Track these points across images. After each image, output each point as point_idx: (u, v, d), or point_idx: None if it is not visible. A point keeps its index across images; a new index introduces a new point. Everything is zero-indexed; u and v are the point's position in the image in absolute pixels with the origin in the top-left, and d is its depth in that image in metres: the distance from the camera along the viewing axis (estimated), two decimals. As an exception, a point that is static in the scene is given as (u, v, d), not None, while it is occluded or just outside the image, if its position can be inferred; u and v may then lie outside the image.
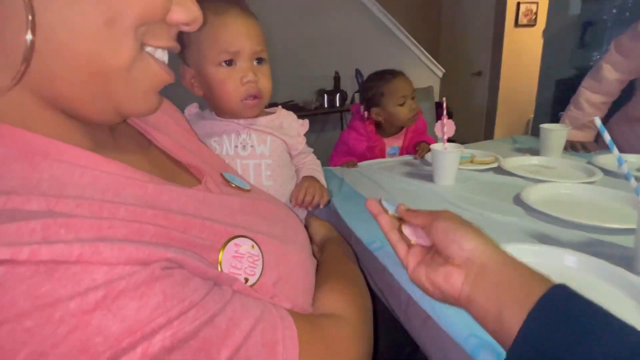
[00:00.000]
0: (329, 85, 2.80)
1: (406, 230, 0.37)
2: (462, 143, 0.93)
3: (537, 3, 3.29)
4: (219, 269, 0.28)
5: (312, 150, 0.64)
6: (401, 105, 1.08)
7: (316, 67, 2.74)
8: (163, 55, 0.28)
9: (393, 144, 1.16)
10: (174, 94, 0.57)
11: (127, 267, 0.20)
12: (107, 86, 0.24)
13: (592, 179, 0.71)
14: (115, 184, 0.25)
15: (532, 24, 3.33)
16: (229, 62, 0.49)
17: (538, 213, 0.57)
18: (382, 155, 1.13)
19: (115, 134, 0.32)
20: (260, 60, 0.52)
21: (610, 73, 1.00)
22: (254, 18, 0.51)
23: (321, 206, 0.59)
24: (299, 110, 2.55)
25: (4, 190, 0.20)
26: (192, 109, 0.59)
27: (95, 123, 0.27)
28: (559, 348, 0.23)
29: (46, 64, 0.22)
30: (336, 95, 2.72)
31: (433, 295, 0.33)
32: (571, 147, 1.00)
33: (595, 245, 0.48)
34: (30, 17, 0.20)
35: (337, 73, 2.78)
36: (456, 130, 0.84)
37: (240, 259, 0.29)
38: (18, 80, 0.21)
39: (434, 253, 0.34)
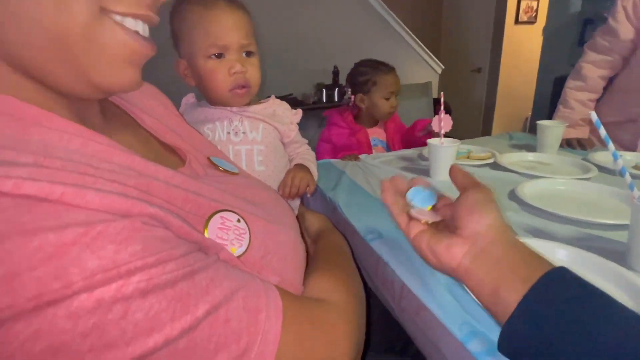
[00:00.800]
0: (328, 80, 2.79)
1: (413, 212, 0.36)
2: (460, 139, 0.93)
3: (537, 0, 3.28)
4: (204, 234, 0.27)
5: (307, 141, 0.65)
6: (387, 99, 1.13)
7: (315, 61, 2.73)
8: (136, 26, 0.26)
9: (374, 135, 1.19)
10: (175, 87, 0.57)
11: (108, 215, 0.20)
12: (68, 53, 0.23)
13: (587, 175, 0.71)
14: (102, 152, 0.25)
15: (532, 21, 3.32)
16: (218, 55, 0.51)
17: (532, 208, 0.58)
18: (367, 143, 1.16)
19: (107, 115, 0.32)
20: (249, 53, 0.53)
21: (591, 71, 1.04)
22: (242, 10, 0.52)
23: (308, 194, 0.60)
24: (298, 104, 2.54)
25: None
26: (189, 98, 0.60)
27: (77, 97, 0.27)
28: (557, 325, 0.23)
29: (6, 33, 0.21)
30: (335, 89, 2.71)
31: (430, 261, 0.33)
32: (567, 144, 1.01)
33: (589, 240, 0.48)
34: None
35: (336, 67, 2.77)
36: (454, 126, 0.84)
37: (226, 231, 0.29)
38: None
39: (440, 225, 0.35)
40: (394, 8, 2.94)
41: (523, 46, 3.29)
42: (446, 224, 0.35)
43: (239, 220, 0.31)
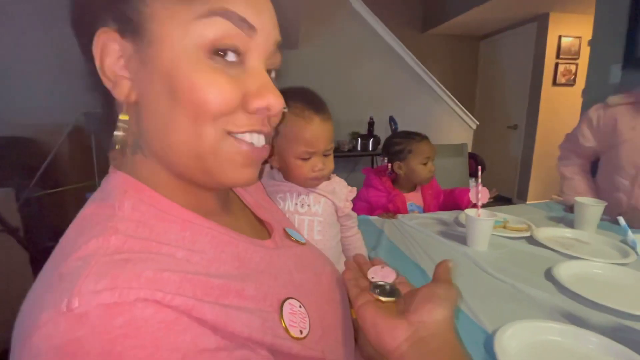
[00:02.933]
0: (363, 130, 2.95)
1: (375, 293, 0.38)
2: (495, 195, 0.98)
3: (576, 64, 3.34)
4: (282, 324, 0.32)
5: (356, 215, 0.75)
6: (424, 164, 1.21)
7: (352, 111, 2.91)
8: (251, 138, 0.32)
9: (411, 200, 1.26)
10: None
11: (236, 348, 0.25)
12: (202, 164, 0.31)
13: (625, 260, 0.73)
14: (221, 243, 0.33)
15: (570, 83, 3.36)
16: (306, 158, 0.63)
17: (568, 291, 0.61)
18: (404, 208, 1.22)
19: (228, 198, 0.42)
20: (327, 153, 0.65)
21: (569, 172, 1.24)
22: (330, 122, 0.64)
23: None
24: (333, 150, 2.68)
25: (165, 241, 0.29)
26: (265, 169, 0.72)
27: (211, 189, 0.37)
28: None
29: (170, 156, 0.31)
30: (369, 139, 2.85)
31: (368, 335, 0.34)
32: (570, 209, 1.08)
33: (623, 331, 0.51)
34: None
35: (371, 119, 2.94)
36: (490, 182, 0.90)
37: (295, 315, 0.34)
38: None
39: (389, 304, 0.36)
40: (429, 65, 3.13)
41: (561, 106, 3.30)
42: (396, 303, 0.36)
43: (300, 306, 0.34)
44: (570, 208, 1.11)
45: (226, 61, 0.29)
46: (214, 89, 0.28)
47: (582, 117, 1.20)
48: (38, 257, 1.37)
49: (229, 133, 0.31)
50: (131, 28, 0.28)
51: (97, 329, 0.21)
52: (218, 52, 0.28)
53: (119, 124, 0.31)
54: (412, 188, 1.27)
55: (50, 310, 0.22)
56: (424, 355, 0.30)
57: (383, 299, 0.36)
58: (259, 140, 0.34)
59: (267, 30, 0.31)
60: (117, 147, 0.31)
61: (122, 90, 0.29)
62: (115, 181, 0.32)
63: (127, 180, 0.32)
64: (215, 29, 0.28)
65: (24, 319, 0.24)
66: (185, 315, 0.24)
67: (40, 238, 1.57)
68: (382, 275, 0.40)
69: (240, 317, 0.28)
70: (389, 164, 1.26)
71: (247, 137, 0.32)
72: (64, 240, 0.28)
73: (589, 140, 1.17)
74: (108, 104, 0.32)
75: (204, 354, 0.23)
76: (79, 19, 0.31)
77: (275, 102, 0.31)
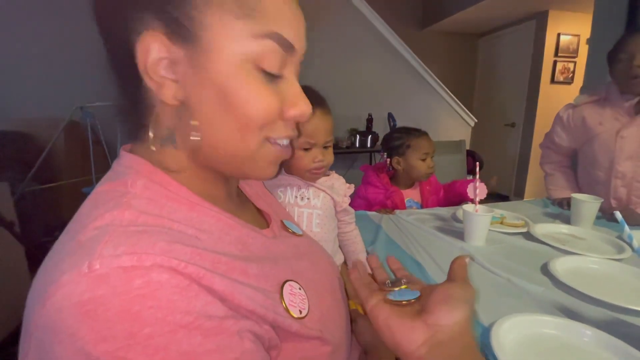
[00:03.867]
0: (362, 126, 2.95)
1: (391, 296, 0.36)
2: (494, 192, 0.99)
3: (574, 62, 3.35)
4: (282, 303, 0.33)
5: (353, 211, 0.76)
6: (422, 160, 1.20)
7: (350, 107, 2.91)
8: (282, 141, 0.36)
9: (409, 196, 1.25)
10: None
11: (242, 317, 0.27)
12: (240, 164, 0.34)
13: (620, 256, 0.74)
14: (226, 226, 0.35)
15: (568, 81, 3.37)
16: (307, 149, 0.65)
17: (564, 285, 0.62)
18: (402, 205, 1.22)
19: (234, 188, 0.43)
20: (327, 145, 0.67)
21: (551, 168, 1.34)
22: (329, 115, 0.65)
23: None
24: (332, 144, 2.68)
25: (175, 219, 0.30)
26: None
27: (229, 178, 0.40)
28: None
29: (204, 151, 0.33)
30: (368, 136, 2.85)
31: (383, 335, 0.34)
32: (558, 204, 1.14)
33: (617, 325, 0.51)
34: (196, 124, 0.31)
35: (370, 115, 2.93)
36: (488, 179, 0.90)
37: (294, 296, 0.35)
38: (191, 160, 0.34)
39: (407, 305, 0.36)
40: (428, 62, 3.12)
41: (559, 104, 3.27)
42: (423, 303, 0.35)
43: (300, 288, 0.36)
44: (558, 202, 1.17)
45: (270, 75, 0.32)
46: (263, 102, 0.31)
47: (555, 118, 1.28)
48: (33, 252, 1.36)
49: (267, 139, 0.34)
50: (183, 34, 0.29)
51: (117, 289, 0.23)
52: (265, 68, 0.31)
53: (155, 119, 0.32)
54: (411, 184, 1.27)
55: (72, 271, 0.23)
56: (443, 358, 0.30)
57: (404, 300, 0.35)
58: (287, 142, 0.37)
59: (302, 47, 0.34)
60: (151, 136, 0.32)
61: (168, 92, 0.30)
62: (127, 162, 0.33)
63: (139, 162, 0.33)
64: (266, 50, 0.30)
65: (44, 280, 0.24)
66: (196, 283, 0.25)
67: (35, 233, 1.57)
68: (400, 294, 0.37)
69: (245, 290, 0.29)
70: (388, 160, 1.26)
71: (280, 141, 0.36)
72: (79, 214, 0.30)
73: (562, 139, 1.26)
74: (131, 97, 0.33)
75: (213, 320, 0.25)
76: (113, 18, 0.31)
77: (307, 109, 0.35)
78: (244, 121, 0.31)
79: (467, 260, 0.37)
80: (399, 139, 1.24)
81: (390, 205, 1.21)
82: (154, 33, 0.29)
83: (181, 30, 0.29)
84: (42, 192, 1.91)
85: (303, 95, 0.35)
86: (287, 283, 0.35)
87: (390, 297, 0.36)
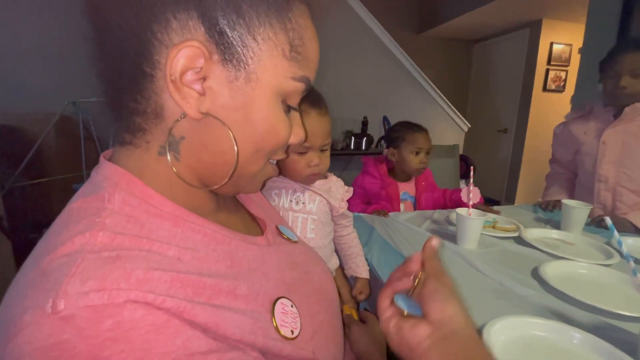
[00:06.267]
0: (357, 129, 2.96)
1: (399, 301, 0.37)
2: (485, 197, 1.01)
3: (566, 71, 3.42)
4: (274, 323, 0.32)
5: (352, 215, 0.74)
6: (415, 154, 1.22)
7: (346, 110, 2.92)
8: (274, 161, 0.38)
9: (405, 189, 1.28)
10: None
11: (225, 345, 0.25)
12: (238, 181, 0.35)
13: (609, 262, 0.75)
14: (213, 241, 0.33)
15: (560, 90, 3.43)
16: (302, 152, 0.62)
17: (553, 289, 0.63)
18: (397, 197, 1.25)
19: (226, 199, 0.42)
20: (324, 148, 0.64)
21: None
22: (327, 116, 0.62)
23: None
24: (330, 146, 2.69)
25: (156, 238, 0.28)
26: None
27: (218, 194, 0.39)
28: None
29: (207, 166, 0.33)
30: (363, 138, 2.86)
31: (392, 339, 0.35)
32: (544, 206, 1.20)
33: (605, 329, 0.52)
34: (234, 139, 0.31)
35: (365, 118, 2.95)
36: (479, 184, 0.91)
37: (286, 315, 0.34)
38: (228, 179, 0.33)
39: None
40: (424, 67, 3.15)
41: (550, 112, 3.37)
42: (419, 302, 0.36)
43: (292, 306, 0.35)
44: (543, 205, 1.23)
45: (288, 107, 0.34)
46: (285, 132, 0.33)
47: (553, 135, 1.39)
48: (21, 248, 1.33)
49: (269, 161, 0.36)
50: (231, 56, 0.29)
51: (84, 332, 0.20)
52: (289, 103, 0.34)
53: (164, 126, 0.31)
54: (407, 178, 1.29)
55: (33, 311, 0.21)
56: (447, 354, 0.30)
57: (406, 311, 0.36)
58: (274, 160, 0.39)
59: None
60: (159, 143, 0.31)
61: (194, 105, 0.29)
62: (106, 172, 0.32)
63: (119, 173, 0.31)
64: (297, 90, 0.33)
65: (6, 317, 0.23)
66: (176, 318, 0.23)
67: (23, 229, 1.53)
68: (407, 305, 0.37)
69: (232, 318, 0.28)
70: (386, 150, 1.29)
71: (272, 160, 0.37)
72: (48, 234, 0.27)
73: (559, 153, 1.37)
74: (134, 100, 0.30)
75: (195, 357, 0.23)
76: (139, 15, 0.28)
77: (302, 136, 0.38)
78: (263, 145, 0.33)
79: (434, 242, 0.39)
80: (397, 131, 1.27)
81: (384, 196, 1.23)
82: (197, 44, 0.27)
83: (231, 52, 0.29)
84: (32, 187, 1.88)
85: (300, 121, 0.37)
86: (279, 301, 0.34)
87: (396, 301, 0.37)
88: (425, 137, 1.25)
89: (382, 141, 1.41)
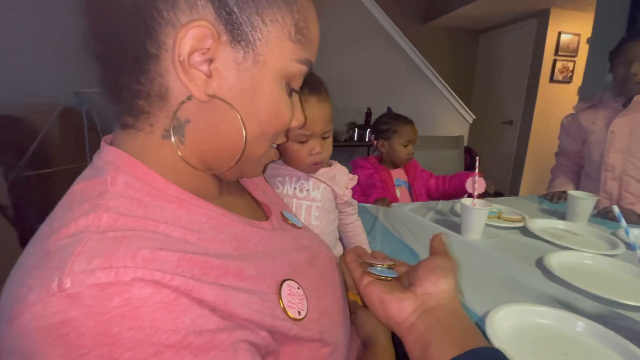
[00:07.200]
0: (361, 120, 2.94)
1: (374, 271, 0.39)
2: (489, 188, 1.01)
3: (574, 61, 3.35)
4: (281, 304, 0.32)
5: (357, 203, 0.73)
6: (404, 146, 1.29)
7: (350, 101, 2.90)
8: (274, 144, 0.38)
9: (397, 176, 1.34)
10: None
11: (236, 328, 0.25)
12: (242, 165, 0.34)
13: (614, 252, 0.75)
14: (219, 224, 0.33)
15: (567, 81, 3.37)
16: (303, 140, 0.60)
17: (559, 279, 0.62)
18: (391, 182, 1.30)
19: (229, 184, 0.42)
20: (325, 136, 0.63)
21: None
22: (327, 102, 0.61)
23: None
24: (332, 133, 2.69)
25: (161, 219, 0.28)
26: None
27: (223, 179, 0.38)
28: None
29: (212, 150, 0.32)
30: (366, 130, 2.84)
31: (376, 311, 0.36)
32: (549, 198, 1.21)
33: (609, 317, 0.52)
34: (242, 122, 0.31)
35: (369, 109, 2.92)
36: (484, 175, 0.91)
37: (293, 296, 0.34)
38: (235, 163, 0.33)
39: (392, 281, 0.38)
40: (429, 57, 3.11)
41: (558, 103, 3.33)
42: (399, 280, 0.39)
43: (298, 288, 0.35)
44: (549, 196, 1.24)
45: (290, 90, 0.34)
46: (289, 114, 0.34)
47: (560, 126, 1.39)
48: (26, 237, 1.35)
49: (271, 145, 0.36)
50: (239, 37, 0.28)
51: (91, 310, 0.20)
52: (292, 86, 0.34)
53: (168, 109, 0.30)
54: (396, 167, 1.35)
55: (39, 289, 0.21)
56: (432, 325, 0.31)
57: (389, 277, 0.39)
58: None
59: None
60: (164, 125, 0.30)
61: (201, 86, 0.28)
62: (108, 156, 0.31)
63: (122, 156, 0.30)
64: (300, 72, 0.33)
65: (11, 296, 0.22)
66: (184, 296, 0.23)
67: (29, 218, 1.55)
68: (380, 272, 0.41)
69: (239, 297, 0.27)
70: (375, 142, 1.35)
71: (274, 144, 0.37)
72: (51, 217, 0.27)
73: (566, 144, 1.37)
74: (136, 81, 0.29)
75: (204, 335, 0.23)
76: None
77: (302, 119, 0.38)
78: (268, 129, 0.33)
79: (443, 236, 0.41)
80: (387, 123, 1.32)
81: (378, 182, 1.27)
82: (206, 24, 0.26)
83: (239, 33, 0.28)
84: (36, 177, 1.89)
85: (300, 106, 0.38)
86: (286, 282, 0.34)
87: (372, 271, 0.40)
88: (413, 129, 1.32)
89: (370, 130, 1.46)
